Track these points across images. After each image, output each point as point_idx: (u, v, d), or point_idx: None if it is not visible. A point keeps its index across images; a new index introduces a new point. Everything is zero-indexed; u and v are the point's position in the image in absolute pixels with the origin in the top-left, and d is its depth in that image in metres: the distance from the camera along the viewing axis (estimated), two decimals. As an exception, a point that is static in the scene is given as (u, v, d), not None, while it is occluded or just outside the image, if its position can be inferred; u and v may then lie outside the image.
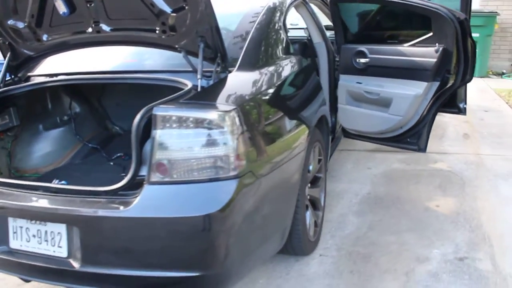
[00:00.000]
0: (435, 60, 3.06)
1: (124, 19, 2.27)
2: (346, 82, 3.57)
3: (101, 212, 1.82)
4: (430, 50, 3.07)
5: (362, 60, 3.45)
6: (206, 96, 2.02)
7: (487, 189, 3.64)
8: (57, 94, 3.03)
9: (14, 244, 2.02)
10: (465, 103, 3.55)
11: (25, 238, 1.99)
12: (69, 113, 3.10)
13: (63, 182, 2.35)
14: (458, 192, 3.62)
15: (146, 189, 1.79)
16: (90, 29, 2.33)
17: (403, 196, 3.58)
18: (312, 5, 3.66)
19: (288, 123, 2.33)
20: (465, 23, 2.87)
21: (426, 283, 2.49)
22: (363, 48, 3.43)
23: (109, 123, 3.42)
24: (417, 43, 3.19)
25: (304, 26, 3.77)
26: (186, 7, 2.07)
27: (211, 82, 2.15)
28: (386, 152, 4.51)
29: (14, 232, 2.01)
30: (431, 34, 3.08)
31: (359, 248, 2.86)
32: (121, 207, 1.80)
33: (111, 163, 2.93)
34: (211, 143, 1.77)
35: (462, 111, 3.59)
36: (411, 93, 3.23)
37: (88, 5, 2.22)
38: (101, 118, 3.38)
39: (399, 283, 2.51)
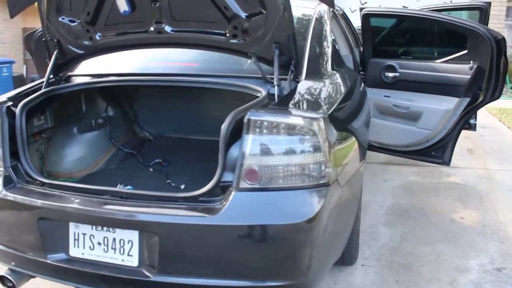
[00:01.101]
0: (468, 77, 3.18)
1: (190, 20, 2.23)
2: (373, 95, 3.64)
3: (186, 219, 1.76)
4: (464, 67, 3.19)
5: (391, 74, 3.54)
6: (290, 103, 2.00)
7: (505, 203, 3.78)
8: (92, 96, 2.95)
9: (74, 252, 1.93)
10: (475, 120, 3.69)
11: (89, 245, 1.91)
12: (104, 116, 3.02)
13: (129, 187, 2.28)
14: (478, 205, 3.74)
15: (235, 196, 1.76)
16: (150, 29, 2.27)
17: (426, 208, 3.66)
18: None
19: (357, 132, 2.36)
20: (502, 43, 3.00)
21: (471, 292, 2.56)
22: (392, 62, 3.53)
23: (138, 127, 3.35)
24: (450, 59, 3.30)
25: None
26: (264, 12, 2.07)
27: (284, 89, 2.14)
28: (399, 165, 4.62)
29: (76, 239, 1.92)
30: (465, 51, 3.20)
31: (398, 258, 2.91)
32: (208, 214, 1.75)
33: (151, 169, 2.86)
34: (303, 150, 1.77)
35: (473, 127, 3.73)
36: (442, 108, 3.34)
37: (153, 4, 2.16)
38: (131, 123, 3.31)
39: (446, 293, 2.56)
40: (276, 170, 1.76)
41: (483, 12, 3.84)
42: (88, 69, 2.63)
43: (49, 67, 2.44)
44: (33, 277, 2.18)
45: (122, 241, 1.85)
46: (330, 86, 2.28)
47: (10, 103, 2.16)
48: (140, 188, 2.24)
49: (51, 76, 2.50)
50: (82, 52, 2.47)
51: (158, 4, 2.17)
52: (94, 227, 1.89)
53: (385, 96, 3.62)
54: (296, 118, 1.81)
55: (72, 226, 1.92)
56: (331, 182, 1.83)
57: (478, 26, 3.07)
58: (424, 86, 3.42)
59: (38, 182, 2.06)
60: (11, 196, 1.99)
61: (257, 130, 1.76)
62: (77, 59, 2.53)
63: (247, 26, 2.13)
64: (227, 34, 2.19)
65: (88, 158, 2.86)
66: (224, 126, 1.82)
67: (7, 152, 2.08)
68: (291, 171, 1.77)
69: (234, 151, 1.84)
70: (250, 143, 1.76)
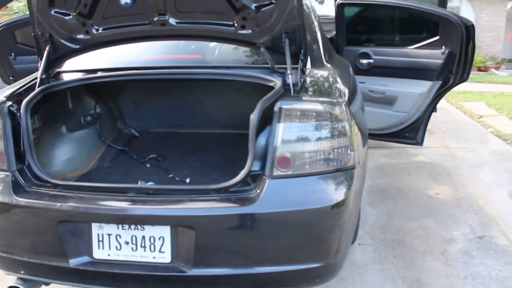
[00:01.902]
0: (441, 61, 3.39)
1: (195, 12, 2.19)
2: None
3: (224, 210, 1.77)
4: (437, 52, 3.40)
5: (365, 61, 3.69)
6: (310, 91, 2.04)
7: (471, 177, 4.09)
8: (79, 93, 2.82)
9: (99, 254, 1.87)
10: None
11: (115, 246, 1.85)
12: (93, 113, 2.91)
13: (150, 183, 2.22)
14: (448, 181, 4.02)
15: (269, 183, 1.78)
16: (153, 22, 2.20)
17: (403, 187, 3.88)
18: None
19: (362, 117, 2.44)
20: (471, 29, 3.23)
21: (463, 260, 2.77)
22: (367, 50, 3.68)
23: (122, 124, 3.26)
24: (423, 45, 3.50)
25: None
26: (274, 3, 2.08)
27: (295, 79, 2.16)
28: (369, 148, 4.82)
29: (100, 241, 1.86)
30: (437, 37, 3.41)
31: (389, 235, 3.07)
32: (245, 204, 1.77)
33: (147, 165, 2.80)
34: (331, 135, 1.83)
35: (435, 110, 3.99)
36: (417, 91, 3.54)
37: None
38: (115, 119, 3.21)
39: (441, 262, 2.76)
40: (307, 156, 1.81)
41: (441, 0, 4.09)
42: (77, 65, 2.50)
43: (42, 63, 2.29)
44: (46, 284, 2.09)
45: (152, 238, 1.82)
46: (335, 74, 2.35)
47: (10, 102, 2.03)
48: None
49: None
50: (76, 46, 2.34)
51: None
52: (120, 226, 1.84)
53: (360, 82, 3.76)
54: (322, 104, 1.86)
55: (95, 227, 1.85)
56: (355, 165, 1.91)
57: (450, 13, 3.29)
58: (398, 71, 3.59)
59: (50, 184, 1.96)
60: (24, 201, 1.88)
61: (288, 118, 1.80)
62: (70, 55, 2.39)
63: (257, 16, 2.13)
64: (235, 25, 2.19)
65: (80, 158, 2.74)
66: (254, 116, 1.83)
67: (12, 154, 1.96)
68: (321, 156, 1.82)
69: (261, 140, 1.86)
70: (282, 131, 1.80)
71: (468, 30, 3.23)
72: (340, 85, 2.21)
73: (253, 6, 2.11)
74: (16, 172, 1.95)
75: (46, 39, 2.30)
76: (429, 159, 4.56)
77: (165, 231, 1.81)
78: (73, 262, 1.87)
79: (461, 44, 3.30)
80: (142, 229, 1.82)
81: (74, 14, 2.22)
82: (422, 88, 3.53)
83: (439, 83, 3.50)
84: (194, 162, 2.80)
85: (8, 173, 1.94)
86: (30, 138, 2.00)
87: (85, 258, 1.87)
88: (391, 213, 3.39)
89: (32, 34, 2.30)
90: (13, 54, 3.72)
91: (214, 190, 1.84)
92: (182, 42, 2.48)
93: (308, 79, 2.17)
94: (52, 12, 2.22)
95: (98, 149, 2.89)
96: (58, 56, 2.38)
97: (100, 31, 2.28)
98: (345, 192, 1.84)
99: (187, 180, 2.51)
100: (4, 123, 1.96)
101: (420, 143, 3.82)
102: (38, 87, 2.23)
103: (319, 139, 1.82)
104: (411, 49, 3.57)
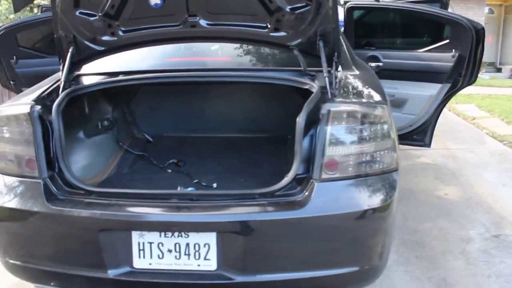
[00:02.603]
0: (451, 64, 3.45)
1: (227, 13, 2.17)
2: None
3: (274, 215, 1.74)
4: (447, 55, 3.45)
5: (374, 64, 3.72)
6: (351, 94, 2.04)
7: (476, 178, 4.17)
8: (95, 97, 2.76)
9: (139, 263, 1.82)
10: None
11: (157, 254, 1.80)
12: (109, 117, 2.84)
13: (191, 188, 2.17)
14: (455, 181, 4.09)
15: (318, 187, 1.77)
16: (182, 23, 2.18)
17: (412, 188, 3.93)
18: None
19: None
20: (481, 32, 3.30)
21: (483, 259, 2.82)
22: (375, 53, 3.72)
23: (135, 129, 3.20)
24: (432, 48, 3.56)
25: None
26: (309, 6, 2.09)
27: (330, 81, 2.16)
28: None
29: (141, 249, 1.80)
30: (447, 41, 3.47)
31: (407, 236, 3.10)
32: (294, 208, 1.75)
33: (169, 170, 2.75)
34: (377, 136, 1.84)
35: None
36: (427, 94, 3.59)
37: None
38: (129, 124, 3.15)
39: (462, 261, 2.80)
40: (354, 159, 1.81)
41: (443, 4, 4.17)
42: (94, 68, 2.44)
43: (66, 65, 2.22)
44: None
45: (197, 245, 1.78)
46: (366, 76, 2.37)
47: (39, 106, 1.97)
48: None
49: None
50: (101, 48, 2.29)
51: None
52: (163, 234, 1.79)
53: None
54: (368, 107, 1.87)
55: (135, 235, 1.80)
56: (398, 167, 1.92)
57: (461, 17, 3.35)
58: (407, 74, 3.64)
59: (83, 191, 1.90)
60: (59, 209, 1.82)
61: (336, 120, 1.80)
62: (94, 57, 2.33)
63: (291, 19, 2.13)
64: (268, 27, 2.18)
65: (98, 164, 2.68)
66: (301, 120, 1.82)
67: (43, 161, 1.89)
68: (367, 158, 1.83)
69: (305, 144, 1.86)
70: (330, 134, 1.79)
71: (478, 33, 3.30)
72: (374, 87, 2.22)
73: (287, 8, 2.11)
74: (48, 179, 1.89)
75: (70, 41, 2.24)
76: (432, 160, 4.64)
77: (211, 237, 1.77)
78: (112, 272, 1.81)
79: (470, 47, 3.37)
80: (187, 236, 1.78)
81: (100, 15, 2.17)
82: (432, 90, 3.58)
83: (448, 85, 3.55)
84: (215, 167, 2.77)
85: (39, 181, 1.87)
86: (63, 143, 1.94)
87: (125, 268, 1.82)
88: (406, 214, 3.43)
89: (55, 35, 2.24)
90: (14, 57, 3.62)
91: (260, 194, 1.82)
92: (204, 44, 2.45)
93: (345, 82, 2.17)
94: (77, 13, 2.17)
95: (116, 155, 2.84)
96: (81, 58, 2.32)
97: (126, 32, 2.24)
98: (391, 194, 1.84)
99: (214, 185, 2.47)
100: (35, 128, 1.90)
101: (428, 144, 3.87)
102: (63, 90, 2.17)
103: (365, 141, 1.83)
104: (421, 52, 3.62)
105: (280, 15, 2.13)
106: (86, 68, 2.42)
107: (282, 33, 2.19)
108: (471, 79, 3.54)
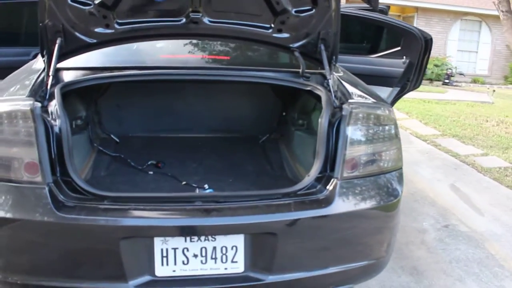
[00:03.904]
0: (402, 70, 3.74)
1: (231, 11, 2.13)
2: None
3: (303, 214, 1.75)
4: (398, 61, 3.75)
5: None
6: (358, 96, 2.11)
7: (413, 174, 4.57)
8: (69, 94, 2.54)
9: (162, 271, 1.72)
10: None
11: (182, 260, 1.72)
12: (82, 116, 2.63)
13: (209, 190, 2.08)
14: (396, 177, 4.43)
15: (340, 185, 1.82)
16: (185, 19, 2.10)
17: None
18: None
19: None
20: (429, 42, 3.63)
21: (441, 247, 3.11)
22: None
23: (100, 129, 3.00)
24: (384, 55, 3.83)
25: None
26: (314, 10, 2.14)
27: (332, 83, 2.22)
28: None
29: (164, 256, 1.71)
30: (399, 48, 3.76)
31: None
32: (321, 206, 1.78)
33: (150, 172, 2.62)
34: (390, 136, 1.94)
35: None
36: (379, 97, 3.85)
37: None
38: (96, 123, 2.94)
39: (424, 250, 3.06)
40: (371, 157, 1.90)
41: (384, 13, 4.50)
42: (79, 62, 2.22)
43: (53, 57, 2.01)
44: None
45: (224, 248, 1.73)
46: (351, 77, 2.47)
47: (39, 104, 1.76)
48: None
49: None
50: (92, 41, 2.11)
51: None
52: (188, 238, 1.71)
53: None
54: (380, 108, 1.96)
55: (158, 242, 1.69)
56: (402, 165, 2.06)
57: (412, 27, 3.65)
58: (360, 78, 3.87)
59: (94, 197, 1.73)
60: (72, 218, 1.63)
61: (356, 121, 1.87)
62: (83, 50, 2.14)
63: (296, 21, 2.17)
64: (272, 28, 2.19)
65: None
66: (324, 122, 1.86)
67: (47, 164, 1.69)
68: (381, 156, 1.93)
69: (322, 143, 1.90)
70: (351, 134, 1.86)
71: (427, 43, 3.63)
72: (367, 89, 2.34)
73: (293, 10, 2.14)
74: (53, 184, 1.70)
75: (58, 30, 2.03)
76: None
77: (238, 239, 1.74)
78: (134, 283, 1.68)
79: (419, 55, 3.69)
80: (214, 239, 1.72)
81: (95, 4, 2.01)
82: (383, 94, 3.81)
83: (397, 89, 3.86)
84: (197, 168, 2.71)
85: (43, 187, 1.66)
86: (70, 144, 1.76)
87: (146, 277, 1.70)
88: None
89: (40, 23, 2.01)
90: None
91: (284, 194, 1.83)
92: (201, 42, 2.38)
93: (345, 84, 2.25)
94: (69, 1, 1.98)
95: (90, 157, 2.63)
96: (69, 51, 2.12)
97: (123, 25, 2.09)
98: (401, 189, 1.97)
99: (206, 187, 2.42)
100: (37, 128, 1.68)
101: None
102: (52, 85, 1.96)
103: (380, 140, 1.92)
104: (373, 57, 3.88)
105: (285, 17, 2.15)
106: (70, 62, 2.19)
107: (285, 35, 2.21)
108: (416, 84, 3.88)
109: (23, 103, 1.69)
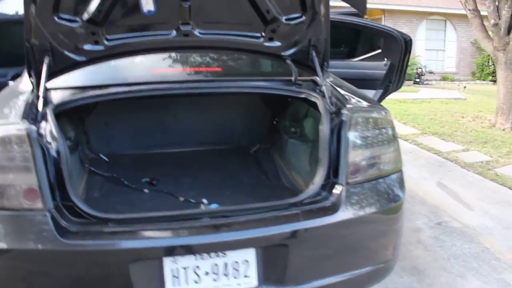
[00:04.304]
0: (384, 72, 3.79)
1: (222, 22, 2.11)
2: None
3: (315, 222, 1.73)
4: (380, 64, 3.79)
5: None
6: (353, 101, 2.11)
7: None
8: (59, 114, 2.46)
9: None
10: None
11: (193, 279, 1.67)
12: (72, 136, 2.54)
13: (214, 205, 2.02)
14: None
15: (345, 191, 1.81)
16: (175, 32, 2.07)
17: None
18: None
19: None
20: (409, 43, 3.69)
21: (438, 244, 3.14)
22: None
23: (88, 149, 2.92)
24: (366, 58, 3.88)
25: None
26: (304, 17, 2.14)
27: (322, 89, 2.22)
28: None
29: (175, 276, 1.65)
30: (379, 50, 3.81)
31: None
32: (328, 213, 1.76)
33: (145, 190, 2.56)
34: (388, 140, 1.94)
35: None
36: (363, 100, 3.89)
37: (183, 4, 1.98)
38: (85, 143, 2.86)
39: (422, 249, 3.08)
40: (372, 161, 1.90)
41: (360, 17, 4.57)
42: (67, 81, 2.13)
43: (42, 77, 1.93)
44: None
45: (236, 263, 1.69)
46: (340, 82, 2.48)
47: (34, 127, 1.68)
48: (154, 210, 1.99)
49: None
50: (82, 59, 2.05)
51: (188, 4, 2.00)
52: (199, 256, 1.66)
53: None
54: (379, 113, 1.97)
55: (168, 262, 1.64)
56: (402, 166, 2.07)
57: (392, 29, 3.71)
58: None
59: (97, 220, 1.67)
60: (78, 244, 1.57)
61: (356, 126, 1.86)
62: (71, 68, 2.07)
63: (286, 29, 2.16)
64: (263, 37, 2.18)
65: None
66: (326, 129, 1.85)
67: (47, 189, 1.61)
68: (382, 160, 1.93)
69: (323, 150, 1.89)
70: (352, 139, 1.85)
71: (407, 44, 3.69)
72: (359, 92, 2.35)
73: (284, 19, 2.13)
74: (54, 210, 1.62)
75: (46, 49, 1.96)
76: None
77: (249, 253, 1.70)
78: None
79: (400, 56, 3.75)
80: (224, 255, 1.68)
81: (83, 21, 1.95)
82: (367, 97, 3.89)
83: (381, 91, 3.90)
84: (192, 183, 2.66)
85: (44, 213, 1.58)
86: (69, 167, 1.69)
87: None
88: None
89: (26, 43, 1.92)
90: None
91: (291, 204, 1.80)
92: (191, 54, 2.34)
93: (338, 89, 2.25)
94: (56, 18, 1.92)
95: (81, 178, 2.55)
96: (57, 70, 2.04)
97: (112, 41, 2.04)
98: (403, 191, 1.98)
99: (205, 201, 2.37)
100: (34, 152, 1.60)
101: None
102: (43, 106, 1.88)
103: (379, 144, 1.92)
104: (355, 61, 3.92)
105: (275, 26, 2.14)
106: (60, 81, 2.11)
107: (277, 43, 2.20)
108: (398, 84, 3.94)
109: (18, 127, 1.62)
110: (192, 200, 2.35)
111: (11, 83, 3.07)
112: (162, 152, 3.04)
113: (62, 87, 2.09)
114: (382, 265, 1.95)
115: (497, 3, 6.59)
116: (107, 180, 2.60)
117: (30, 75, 1.99)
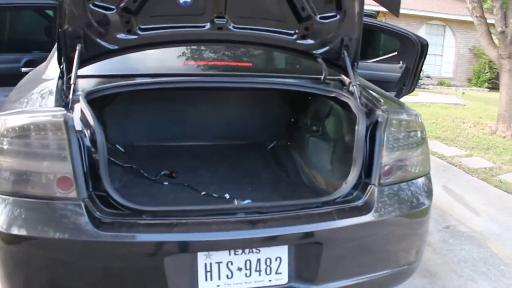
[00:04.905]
0: (398, 74, 3.81)
1: (256, 18, 2.10)
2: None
3: (349, 221, 1.74)
4: (395, 66, 3.81)
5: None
6: (382, 102, 2.11)
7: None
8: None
9: (206, 286, 1.66)
10: None
11: (226, 274, 1.67)
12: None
13: (247, 201, 2.03)
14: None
15: (378, 191, 1.83)
16: (209, 25, 2.06)
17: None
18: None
19: None
20: (425, 47, 3.71)
21: (447, 248, 3.18)
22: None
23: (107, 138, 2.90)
24: (381, 60, 3.89)
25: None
26: (338, 16, 2.14)
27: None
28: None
29: (208, 271, 1.65)
30: (395, 53, 3.83)
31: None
32: (362, 213, 1.77)
33: (165, 183, 2.55)
34: (418, 143, 1.96)
35: None
36: (376, 102, 3.91)
37: None
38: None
39: (431, 252, 3.11)
40: (404, 163, 1.92)
41: (374, 18, 4.58)
42: (98, 69, 2.15)
43: (74, 65, 1.91)
44: None
45: (268, 260, 1.70)
46: (370, 84, 2.49)
47: (71, 115, 1.67)
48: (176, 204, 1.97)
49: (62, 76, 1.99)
50: (114, 47, 2.03)
51: None
52: (233, 252, 1.67)
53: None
54: (412, 115, 1.98)
55: (201, 257, 1.64)
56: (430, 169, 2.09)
57: (409, 32, 3.73)
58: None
59: (131, 212, 1.65)
60: (114, 236, 1.56)
61: (390, 128, 1.88)
62: (103, 56, 2.05)
63: (320, 27, 2.16)
64: (296, 34, 2.18)
65: None
66: (361, 129, 1.86)
67: (82, 178, 1.60)
68: (413, 162, 1.95)
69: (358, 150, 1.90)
70: (386, 140, 1.86)
71: (423, 48, 3.71)
72: (386, 94, 2.37)
73: (318, 17, 2.13)
74: (88, 200, 1.61)
75: (78, 36, 1.94)
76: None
77: (282, 250, 1.71)
78: None
79: (415, 59, 3.77)
80: (258, 251, 1.69)
81: (118, 8, 1.93)
82: (380, 98, 3.91)
83: (394, 93, 3.92)
84: (211, 177, 2.66)
85: (78, 202, 1.57)
86: (106, 156, 1.68)
87: None
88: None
89: (59, 29, 1.91)
90: None
91: (324, 203, 1.81)
92: (220, 48, 2.34)
93: (366, 89, 2.26)
94: (90, 5, 1.90)
95: None
96: (88, 57, 2.03)
97: (145, 31, 2.03)
98: (432, 193, 2.00)
99: (227, 196, 2.37)
100: (70, 140, 1.58)
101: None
102: (73, 93, 1.87)
103: (411, 146, 1.94)
104: (370, 62, 3.93)
105: (309, 23, 2.14)
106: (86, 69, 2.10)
107: (309, 41, 2.20)
108: (411, 88, 3.96)
109: (54, 114, 1.60)
110: (215, 195, 2.35)
111: (24, 69, 3.03)
112: (178, 145, 3.03)
113: (93, 74, 2.08)
114: (405, 267, 1.97)
115: (504, 10, 6.64)
116: (125, 171, 2.59)
117: (60, 62, 1.97)
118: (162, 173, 2.62)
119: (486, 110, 9.39)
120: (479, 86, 17.40)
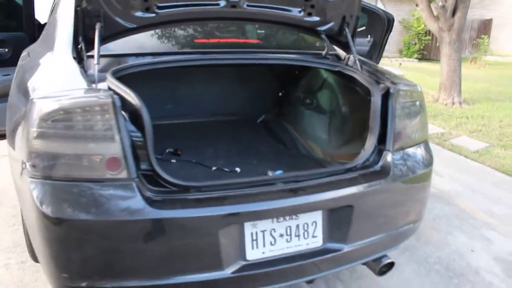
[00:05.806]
0: (367, 48, 4.01)
1: None
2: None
3: (375, 185, 1.89)
4: (363, 40, 4.00)
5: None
6: (387, 75, 2.27)
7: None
8: None
9: (253, 254, 1.75)
10: None
11: (269, 241, 1.77)
12: None
13: (279, 171, 2.10)
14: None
15: (393, 156, 2.00)
16: (224, 2, 2.08)
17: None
18: None
19: None
20: (392, 21, 3.92)
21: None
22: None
23: None
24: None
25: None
26: None
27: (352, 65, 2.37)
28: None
29: (254, 240, 1.74)
30: (363, 28, 4.01)
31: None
32: (383, 176, 1.94)
33: (173, 160, 2.57)
34: (418, 112, 2.15)
35: None
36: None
37: None
38: None
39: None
40: (411, 130, 2.11)
41: None
42: (117, 47, 2.14)
43: (96, 44, 1.88)
44: None
45: (306, 225, 1.83)
46: (365, 59, 2.65)
47: (117, 95, 1.64)
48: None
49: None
50: (132, 26, 2.03)
51: None
52: (275, 219, 1.77)
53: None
54: (413, 86, 2.17)
55: (248, 226, 1.73)
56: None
57: (377, 7, 3.91)
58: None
59: (178, 188, 1.69)
60: (170, 213, 1.59)
61: (402, 98, 2.04)
62: (121, 35, 2.04)
63: (324, 5, 2.26)
64: (302, 12, 2.26)
65: None
66: (377, 100, 2.00)
67: (131, 158, 1.60)
68: (415, 129, 2.14)
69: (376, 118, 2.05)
70: (397, 110, 2.03)
71: (389, 23, 3.92)
72: (383, 68, 2.53)
73: None
74: (137, 180, 1.61)
75: (97, 15, 1.91)
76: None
77: (317, 215, 1.84)
78: (229, 270, 1.69)
79: (382, 34, 3.98)
80: (297, 218, 1.81)
81: None
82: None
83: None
84: (215, 152, 2.72)
85: (129, 183, 1.58)
86: (151, 134, 1.68)
87: (239, 263, 1.72)
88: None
89: (77, 7, 1.87)
90: None
91: (348, 169, 1.96)
92: (226, 25, 2.37)
93: (367, 65, 2.41)
94: None
95: None
96: (106, 36, 2.00)
97: (162, 9, 2.03)
98: (432, 156, 2.22)
99: (238, 170, 2.44)
100: (118, 120, 1.57)
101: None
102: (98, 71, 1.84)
103: (416, 115, 2.13)
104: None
105: (315, 1, 2.23)
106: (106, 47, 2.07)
107: (315, 18, 2.29)
108: (377, 61, 4.17)
109: (102, 95, 1.58)
110: (226, 169, 2.42)
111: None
112: (173, 123, 3.03)
113: (113, 53, 2.05)
114: (412, 224, 2.18)
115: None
116: None
117: (77, 42, 1.91)
118: (167, 151, 2.64)
119: (424, 80, 10.02)
120: (409, 57, 18.45)
